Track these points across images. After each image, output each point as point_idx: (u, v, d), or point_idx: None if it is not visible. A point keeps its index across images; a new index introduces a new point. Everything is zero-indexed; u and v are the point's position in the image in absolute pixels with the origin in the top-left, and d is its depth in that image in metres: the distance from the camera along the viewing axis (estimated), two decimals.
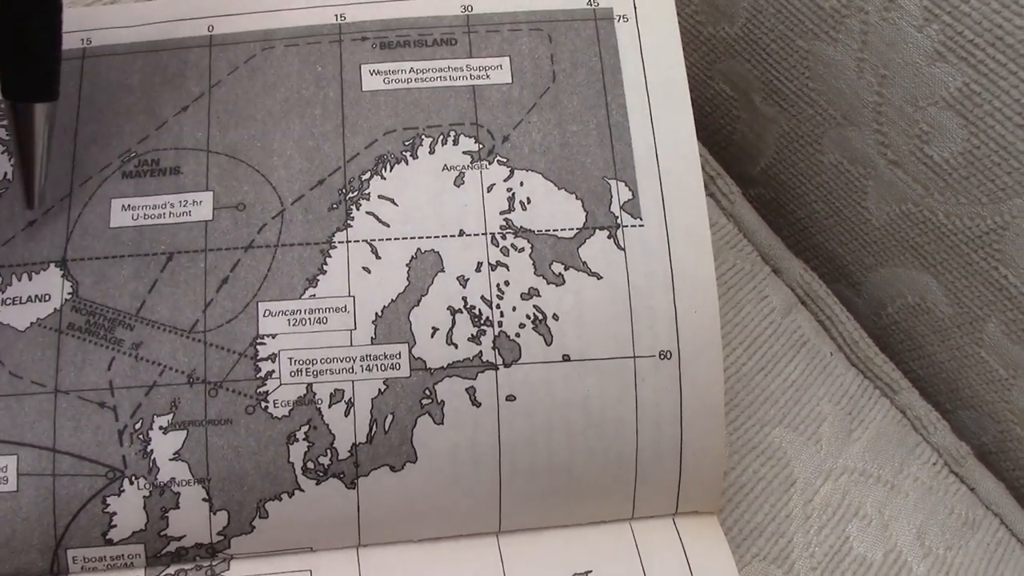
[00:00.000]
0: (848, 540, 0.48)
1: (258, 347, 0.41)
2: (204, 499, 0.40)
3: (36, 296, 0.42)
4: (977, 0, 0.46)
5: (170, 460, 0.40)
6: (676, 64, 0.46)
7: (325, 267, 0.42)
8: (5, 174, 0.43)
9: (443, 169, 0.44)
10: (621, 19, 0.46)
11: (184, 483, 0.40)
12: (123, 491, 0.40)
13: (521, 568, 0.42)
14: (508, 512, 0.43)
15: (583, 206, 0.43)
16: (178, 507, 0.40)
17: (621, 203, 0.43)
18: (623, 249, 0.43)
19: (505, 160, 0.44)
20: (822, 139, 0.57)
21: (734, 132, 0.63)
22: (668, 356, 0.42)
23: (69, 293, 0.42)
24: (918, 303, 0.57)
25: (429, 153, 0.44)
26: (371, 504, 0.41)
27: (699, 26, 0.61)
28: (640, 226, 0.43)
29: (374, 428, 0.41)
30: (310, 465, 0.41)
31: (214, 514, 0.41)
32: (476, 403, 0.42)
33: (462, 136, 0.44)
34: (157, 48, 0.45)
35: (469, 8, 0.46)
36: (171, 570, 0.41)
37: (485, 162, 0.44)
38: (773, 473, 0.49)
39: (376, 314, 0.42)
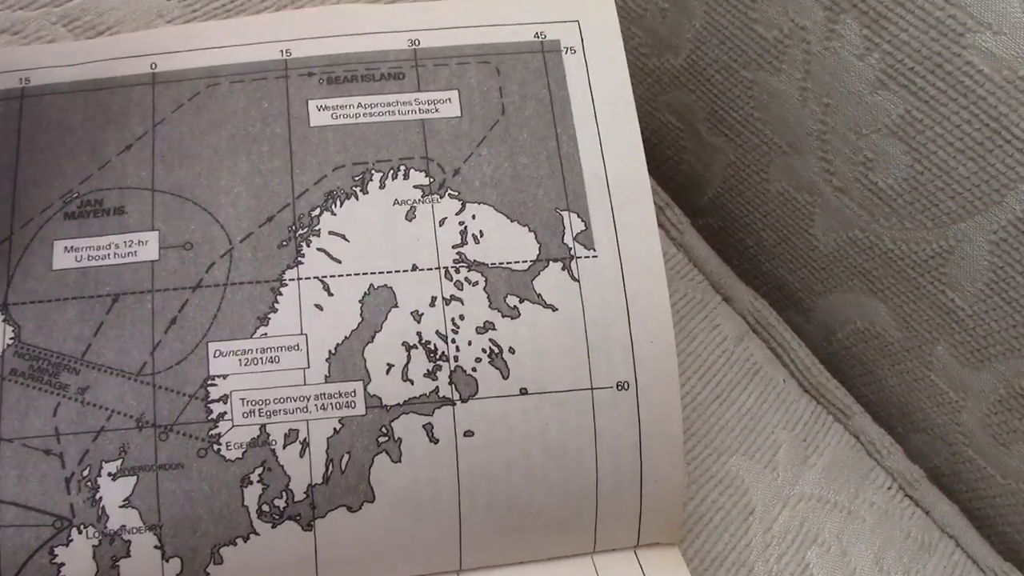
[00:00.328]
0: (808, 567, 0.47)
1: (209, 388, 0.40)
2: (156, 546, 0.39)
3: None
4: (915, 29, 0.46)
5: (120, 507, 0.39)
6: (624, 94, 0.45)
7: (276, 305, 0.41)
8: None
9: (394, 203, 0.43)
10: (568, 51, 0.45)
11: (135, 530, 0.39)
12: (71, 540, 0.38)
13: None
14: (469, 549, 0.41)
15: (536, 238, 0.43)
16: (129, 555, 0.38)
17: (574, 234, 0.43)
18: (577, 280, 0.42)
19: (456, 193, 0.43)
20: (768, 168, 0.57)
21: (681, 162, 0.63)
22: (626, 387, 0.42)
23: (11, 338, 0.40)
24: (867, 328, 0.56)
25: (379, 188, 0.43)
26: (329, 546, 0.40)
27: (643, 58, 0.61)
28: (594, 257, 0.43)
29: (330, 468, 0.40)
30: (265, 508, 0.39)
31: (167, 561, 0.39)
32: (434, 439, 0.40)
33: (412, 170, 0.43)
34: (99, 87, 0.44)
35: (416, 42, 0.45)
36: None
37: (436, 196, 0.43)
38: (731, 502, 0.48)
39: (330, 351, 0.41)
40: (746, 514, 0.48)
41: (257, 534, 0.39)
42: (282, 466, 0.40)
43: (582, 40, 0.46)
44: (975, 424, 0.53)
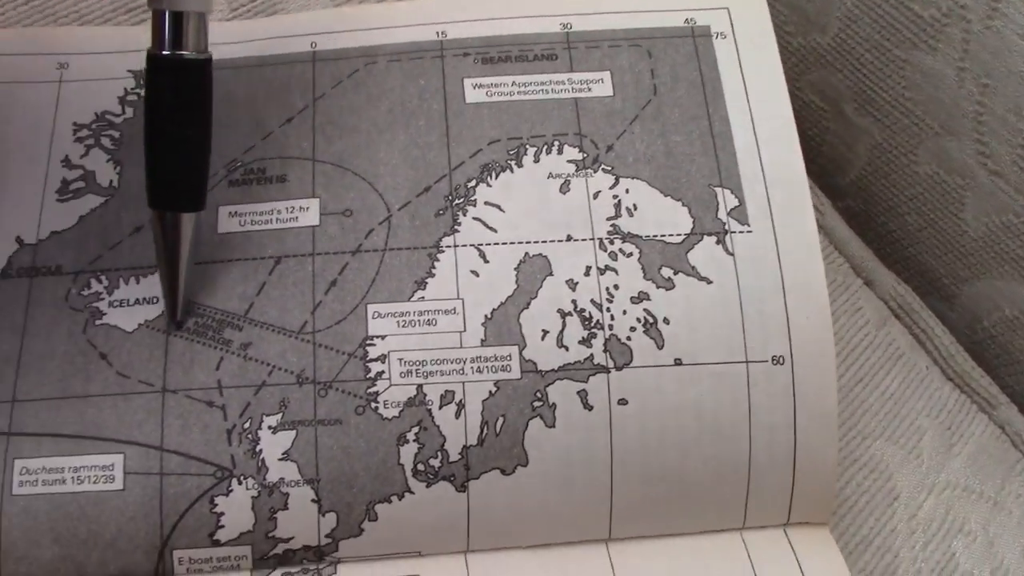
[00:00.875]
0: (954, 556, 0.45)
1: (368, 348, 0.40)
2: (313, 500, 0.39)
3: (144, 299, 0.40)
4: None
5: (279, 460, 0.39)
6: (776, 78, 0.44)
7: (433, 270, 0.41)
8: (111, 181, 0.42)
9: (548, 177, 0.43)
10: (719, 36, 0.45)
11: (293, 484, 0.38)
12: (231, 491, 0.38)
13: None
14: (619, 519, 0.40)
15: (690, 212, 0.42)
16: (287, 508, 0.38)
17: (728, 210, 0.42)
18: (732, 254, 0.41)
19: (610, 168, 0.43)
20: (917, 149, 0.55)
21: (823, 143, 0.61)
22: (781, 361, 0.40)
23: None
24: (1017, 316, 0.54)
25: (534, 161, 0.43)
26: (481, 508, 0.39)
27: (788, 36, 0.59)
28: (748, 232, 0.42)
29: (485, 430, 0.39)
30: (420, 467, 0.39)
31: (323, 516, 0.39)
32: (588, 406, 0.40)
33: (566, 146, 0.43)
34: (262, 63, 0.45)
35: (568, 26, 0.45)
36: (277, 572, 0.39)
37: (590, 170, 0.43)
38: (876, 486, 0.46)
39: (486, 316, 0.40)
40: (891, 499, 0.46)
41: (412, 493, 0.39)
42: (438, 426, 0.39)
43: (732, 26, 0.45)
44: None
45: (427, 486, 0.39)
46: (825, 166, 0.61)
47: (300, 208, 0.42)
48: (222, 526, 0.38)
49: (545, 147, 0.43)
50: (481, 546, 0.40)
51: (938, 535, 0.46)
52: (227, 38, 0.45)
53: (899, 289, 0.54)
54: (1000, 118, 0.49)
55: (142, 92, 0.43)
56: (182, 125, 0.38)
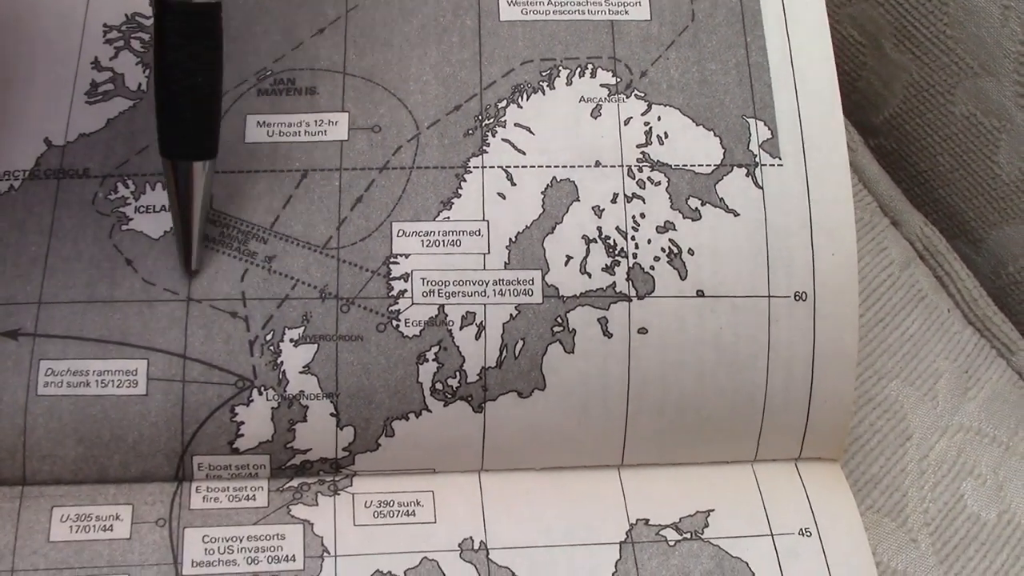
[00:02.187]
0: (962, 498, 0.45)
1: (391, 266, 0.39)
2: (332, 414, 0.38)
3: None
4: None
5: (300, 373, 0.38)
6: (819, 9, 0.43)
7: (460, 191, 0.40)
8: (139, 84, 0.41)
9: (580, 100, 0.41)
10: None
11: (313, 396, 0.38)
12: (252, 401, 0.38)
13: (643, 503, 0.40)
14: (632, 446, 0.40)
15: (721, 143, 0.41)
16: (305, 420, 0.38)
17: (760, 142, 0.41)
18: (761, 188, 0.40)
19: (643, 95, 0.41)
20: (955, 89, 0.53)
21: (859, 79, 0.59)
22: (803, 298, 0.40)
23: None
24: None
25: (566, 84, 0.42)
26: (497, 429, 0.39)
27: None
28: (779, 165, 0.41)
29: (504, 353, 0.39)
30: (439, 386, 0.39)
31: (341, 429, 0.38)
32: (608, 334, 0.39)
33: (599, 69, 0.42)
34: None
35: None
36: (294, 483, 0.39)
37: (622, 95, 0.41)
38: (889, 426, 0.46)
39: (510, 239, 0.39)
40: (903, 440, 0.46)
41: (429, 411, 0.39)
42: (457, 347, 0.39)
43: None
44: None
45: (444, 405, 0.39)
46: (860, 103, 0.59)
47: (329, 122, 0.41)
48: (241, 435, 0.38)
49: (579, 70, 0.42)
50: (495, 466, 0.40)
51: (948, 477, 0.45)
52: None
53: (926, 231, 0.53)
54: None
55: None
56: (192, 72, 0.36)
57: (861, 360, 0.47)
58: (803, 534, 0.40)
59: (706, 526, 0.40)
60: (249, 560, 0.37)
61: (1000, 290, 0.55)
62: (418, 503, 0.39)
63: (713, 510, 0.40)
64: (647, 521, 0.40)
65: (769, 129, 0.41)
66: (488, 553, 0.38)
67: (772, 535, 0.40)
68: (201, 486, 0.38)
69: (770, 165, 0.41)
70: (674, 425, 0.40)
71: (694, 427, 0.40)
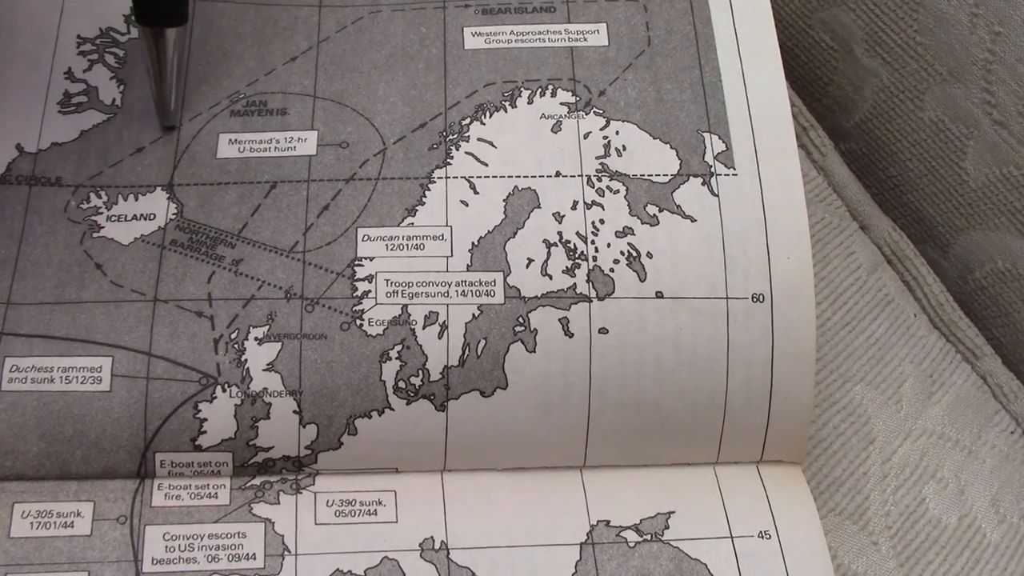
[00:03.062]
0: (924, 502, 0.44)
1: (356, 268, 0.39)
2: (295, 411, 0.38)
3: (141, 215, 0.40)
4: None
5: (263, 370, 0.38)
6: (768, 31, 0.44)
7: (424, 199, 0.41)
8: (113, 99, 0.42)
9: (541, 117, 0.43)
10: None
11: (276, 394, 0.38)
12: (215, 398, 0.38)
13: (604, 503, 0.40)
14: (594, 446, 0.40)
15: (677, 155, 0.42)
16: (268, 417, 0.38)
17: (715, 154, 0.42)
18: (717, 195, 0.41)
19: (601, 111, 0.43)
20: (924, 95, 0.54)
21: (830, 84, 0.60)
22: (761, 299, 0.40)
23: (174, 213, 0.40)
24: (1008, 269, 0.53)
25: (527, 103, 0.43)
26: (459, 428, 0.39)
27: None
28: (734, 175, 0.41)
29: (467, 351, 0.39)
30: (401, 384, 0.39)
31: (303, 427, 0.38)
32: (569, 333, 0.39)
33: (559, 89, 0.43)
34: (269, 2, 0.45)
35: None
36: (256, 481, 0.38)
37: (582, 112, 0.43)
38: (853, 429, 0.46)
39: (473, 243, 0.40)
40: (866, 443, 0.45)
41: (392, 409, 0.39)
42: (420, 345, 0.39)
43: None
44: None
45: (407, 403, 0.39)
46: (831, 107, 0.60)
47: (298, 139, 0.42)
48: (204, 432, 0.38)
49: (539, 90, 0.43)
50: (457, 466, 0.40)
51: (910, 480, 0.45)
52: None
53: (894, 235, 0.53)
54: (1009, 67, 0.48)
55: None
56: None
57: (826, 363, 0.47)
58: (762, 537, 0.40)
59: (666, 528, 0.39)
60: (209, 558, 0.37)
61: (967, 295, 0.55)
62: (380, 502, 0.39)
63: (674, 512, 0.40)
64: (608, 522, 0.39)
65: (723, 142, 0.42)
66: (448, 553, 0.38)
67: (732, 537, 0.40)
68: (163, 483, 0.38)
69: (725, 175, 0.41)
70: (635, 425, 0.40)
71: (655, 427, 0.40)
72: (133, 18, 0.41)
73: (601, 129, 0.42)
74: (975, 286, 0.55)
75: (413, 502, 0.39)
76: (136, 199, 0.41)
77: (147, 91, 0.42)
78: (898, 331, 0.49)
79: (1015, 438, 0.48)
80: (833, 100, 0.60)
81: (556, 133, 0.42)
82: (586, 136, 0.42)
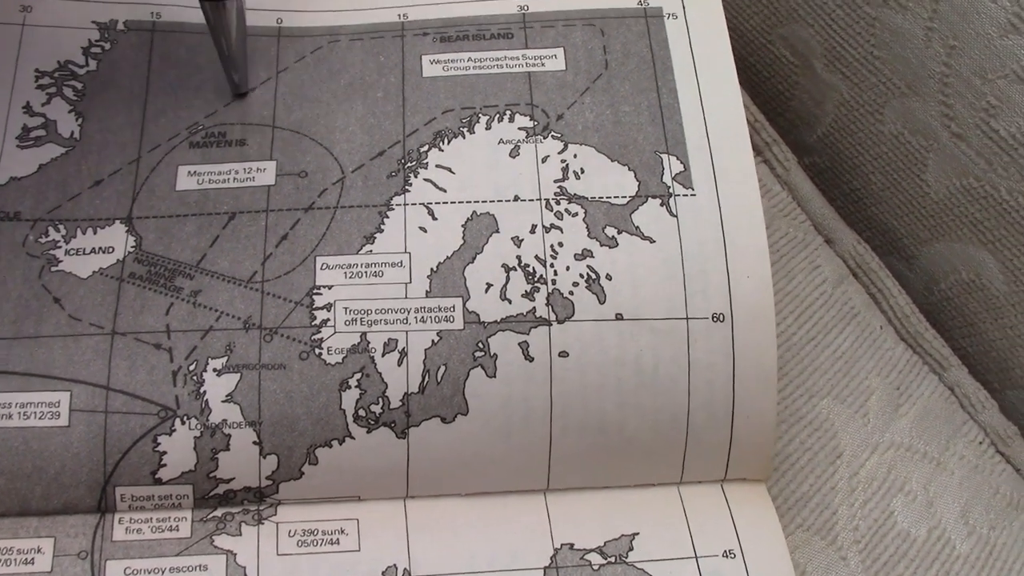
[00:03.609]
0: (892, 515, 0.45)
1: (314, 297, 0.40)
2: (255, 442, 0.38)
3: (100, 248, 0.41)
4: None
5: (222, 402, 0.38)
6: (725, 53, 0.45)
7: (383, 226, 0.41)
8: (72, 132, 0.42)
9: (499, 142, 0.43)
10: (670, 16, 0.46)
11: (235, 425, 0.38)
12: (174, 430, 0.38)
13: (568, 527, 0.40)
14: (557, 469, 0.40)
15: (635, 176, 0.42)
16: (228, 449, 0.38)
17: (673, 175, 0.42)
18: (675, 216, 0.41)
19: (559, 135, 0.43)
20: (884, 108, 0.54)
21: (792, 98, 0.60)
22: (721, 319, 0.40)
23: (133, 246, 0.41)
24: (973, 280, 0.53)
25: (486, 129, 0.43)
26: (421, 455, 0.39)
27: None
28: (692, 195, 0.42)
29: (426, 378, 0.39)
30: (362, 412, 0.39)
31: (264, 458, 0.39)
32: (529, 358, 0.39)
33: (517, 114, 0.44)
34: None
35: (525, 7, 0.46)
36: (218, 512, 0.39)
37: (540, 137, 0.43)
38: (820, 444, 0.46)
39: (431, 269, 0.40)
40: (833, 457, 0.46)
41: (352, 438, 0.39)
42: (380, 373, 0.39)
43: (684, 8, 0.46)
44: None
45: (368, 432, 0.39)
46: (793, 121, 0.61)
47: (257, 169, 0.42)
48: (164, 465, 0.38)
49: (497, 116, 0.43)
50: (420, 492, 0.40)
51: (878, 494, 0.45)
52: (194, 2, 0.45)
53: (858, 248, 0.54)
54: (965, 80, 0.49)
55: (106, 45, 0.44)
56: None
57: (792, 378, 0.47)
58: (727, 556, 0.40)
59: (631, 549, 0.40)
60: None
61: (933, 306, 0.56)
62: (342, 531, 0.39)
63: (638, 533, 0.40)
64: (572, 545, 0.40)
65: (681, 163, 0.42)
66: None
67: (696, 558, 0.40)
68: (124, 517, 0.38)
69: (683, 195, 0.42)
70: (598, 447, 0.40)
71: (618, 449, 0.40)
72: None
73: (559, 153, 0.43)
74: (940, 297, 0.55)
75: (376, 530, 0.39)
76: (95, 232, 0.41)
77: (106, 124, 0.42)
78: (864, 344, 0.50)
79: (983, 448, 0.49)
80: (795, 115, 0.60)
81: (514, 158, 0.43)
82: (544, 160, 0.43)
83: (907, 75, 0.52)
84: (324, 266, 0.40)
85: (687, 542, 0.40)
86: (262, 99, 0.44)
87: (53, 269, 0.40)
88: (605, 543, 0.40)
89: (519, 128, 0.43)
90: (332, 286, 0.40)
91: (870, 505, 0.45)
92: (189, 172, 0.42)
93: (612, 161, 0.43)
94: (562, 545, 0.39)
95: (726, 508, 0.41)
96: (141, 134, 0.43)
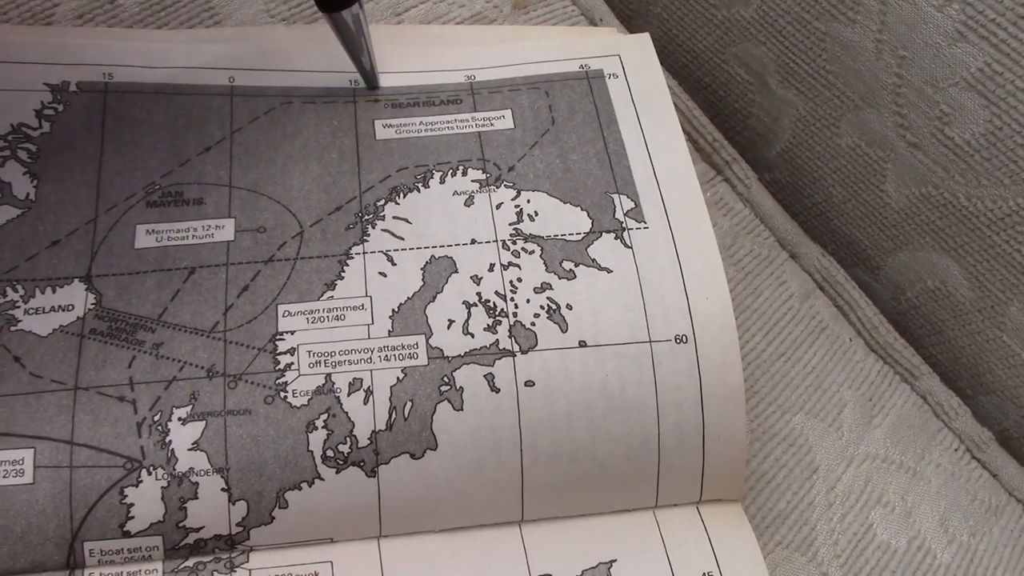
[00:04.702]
0: (872, 527, 0.46)
1: (277, 343, 0.41)
2: (223, 489, 0.39)
3: (59, 306, 0.41)
4: None
5: (188, 450, 0.39)
6: (665, 103, 0.48)
7: (343, 274, 0.42)
8: (27, 194, 0.44)
9: (453, 194, 0.45)
10: (611, 76, 0.49)
11: (203, 472, 0.39)
12: (141, 482, 0.39)
13: (544, 558, 0.40)
14: (531, 500, 0.41)
15: (588, 215, 0.44)
16: (196, 497, 0.39)
17: (625, 211, 0.44)
18: (630, 247, 0.43)
19: (511, 184, 0.45)
20: (840, 122, 0.56)
21: (750, 116, 0.62)
22: (684, 340, 0.41)
23: (93, 304, 0.41)
24: (938, 287, 0.55)
25: (440, 183, 0.45)
26: (392, 493, 0.40)
27: (712, 9, 0.60)
28: (645, 228, 0.44)
29: (393, 415, 0.40)
30: (330, 453, 0.39)
31: (233, 504, 0.39)
32: (495, 389, 0.40)
33: (470, 169, 0.46)
34: (180, 92, 0.47)
35: (472, 77, 0.49)
36: (190, 562, 0.39)
37: (492, 187, 0.45)
38: (795, 460, 0.47)
39: (393, 310, 0.41)
40: (809, 472, 0.47)
41: (322, 479, 0.39)
42: (346, 412, 0.40)
43: (624, 68, 0.49)
44: None
45: (337, 472, 0.40)
46: (752, 139, 0.62)
47: (216, 226, 0.44)
48: (132, 517, 0.38)
49: (450, 171, 0.46)
50: (393, 531, 0.40)
51: (856, 507, 0.46)
52: (145, 62, 0.47)
53: (823, 261, 0.55)
54: (917, 90, 0.50)
55: (59, 107, 0.45)
56: None
57: (764, 395, 0.48)
58: None
59: None
60: None
61: (901, 315, 0.57)
62: (316, 575, 0.39)
63: (616, 560, 0.41)
64: None
65: (632, 201, 0.45)
66: None
67: None
68: (94, 572, 0.38)
69: (636, 229, 0.44)
70: (570, 475, 0.41)
71: (591, 476, 0.41)
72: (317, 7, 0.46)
73: (512, 199, 0.45)
74: (908, 306, 0.57)
75: (350, 572, 0.39)
76: (53, 291, 0.42)
77: (61, 186, 0.43)
78: (835, 357, 0.51)
79: (959, 455, 0.50)
80: (753, 132, 0.62)
81: (469, 206, 0.44)
82: (498, 207, 0.44)
83: (860, 87, 0.54)
84: (286, 313, 0.41)
85: (665, 566, 0.40)
86: (217, 159, 0.45)
87: (12, 329, 0.41)
88: (582, 572, 0.40)
89: (472, 180, 0.45)
90: (295, 331, 0.41)
91: (849, 519, 0.46)
92: (147, 231, 0.43)
93: (564, 203, 0.45)
94: None
95: (703, 530, 0.42)
96: (97, 194, 0.44)
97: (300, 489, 0.39)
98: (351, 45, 0.46)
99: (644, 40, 0.51)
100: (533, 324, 0.41)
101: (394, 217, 0.44)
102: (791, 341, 0.50)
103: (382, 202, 0.44)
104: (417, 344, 0.41)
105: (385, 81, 0.48)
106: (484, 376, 0.40)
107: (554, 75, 0.49)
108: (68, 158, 0.44)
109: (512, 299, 0.42)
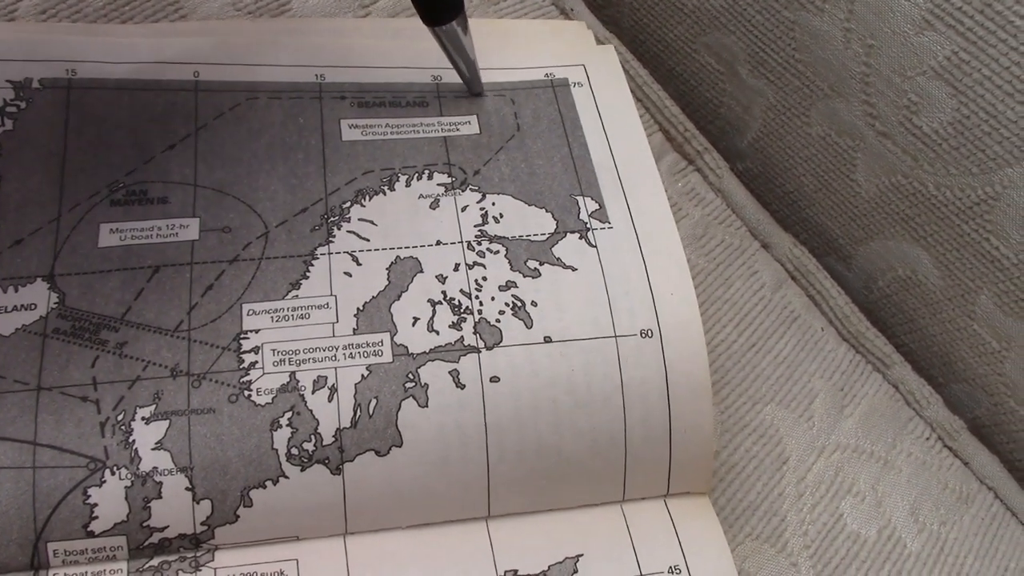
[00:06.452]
0: (842, 517, 0.47)
1: (241, 341, 0.42)
2: (187, 488, 0.40)
3: (22, 306, 0.42)
4: None
5: (152, 450, 0.40)
6: (629, 109, 0.51)
7: (308, 273, 0.44)
8: None
9: (419, 197, 0.47)
10: (576, 85, 0.51)
11: (167, 472, 0.40)
12: (104, 482, 0.40)
13: (511, 553, 0.42)
14: (497, 496, 0.42)
15: (553, 217, 0.46)
16: (160, 497, 0.40)
17: (589, 213, 0.46)
18: (595, 246, 0.45)
19: (477, 188, 0.47)
20: (810, 111, 0.58)
21: (721, 106, 0.63)
22: (649, 334, 0.43)
23: (56, 303, 0.42)
24: (909, 276, 0.56)
25: (405, 186, 0.47)
26: (357, 490, 0.41)
27: None
28: (609, 228, 0.46)
29: (358, 412, 0.41)
30: (294, 451, 0.41)
31: (197, 503, 0.40)
32: (460, 385, 0.42)
33: (436, 172, 0.47)
34: (145, 87, 0.48)
35: (439, 78, 0.51)
36: (155, 562, 0.40)
37: (458, 191, 0.47)
38: (765, 451, 0.48)
39: (358, 308, 0.43)
40: (780, 463, 0.48)
41: (287, 477, 0.41)
42: (311, 410, 0.41)
43: (588, 77, 0.52)
44: (1018, 374, 0.52)
45: (301, 470, 0.41)
46: (724, 128, 0.64)
47: (180, 225, 0.45)
48: (96, 517, 0.40)
49: (416, 175, 0.47)
50: (359, 528, 0.42)
51: (826, 497, 0.47)
52: (108, 57, 0.48)
53: (795, 251, 0.57)
54: (885, 79, 0.52)
55: (22, 104, 0.46)
56: None
57: (735, 386, 0.50)
58: (673, 572, 0.42)
59: (575, 572, 0.42)
60: None
61: (872, 305, 0.58)
62: (282, 573, 0.40)
63: (582, 555, 0.42)
64: (516, 572, 0.41)
65: (596, 202, 0.47)
66: None
67: (641, 575, 0.42)
68: (58, 573, 0.39)
69: (601, 228, 0.46)
70: (537, 471, 0.42)
71: (557, 471, 0.42)
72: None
73: (478, 202, 0.46)
74: (879, 295, 0.58)
75: (316, 570, 0.41)
76: (16, 290, 0.43)
77: (24, 184, 0.44)
78: (806, 347, 0.52)
79: (930, 444, 0.51)
80: (725, 122, 0.63)
81: (434, 209, 0.46)
82: (463, 209, 0.46)
83: (829, 76, 0.55)
84: (251, 312, 0.43)
85: (632, 560, 0.42)
86: (182, 157, 0.46)
87: None
88: (549, 567, 0.41)
89: (438, 184, 0.47)
90: (259, 330, 0.42)
91: (819, 509, 0.47)
92: (111, 229, 0.44)
93: (529, 206, 0.47)
94: (506, 572, 0.41)
95: (670, 523, 0.43)
96: (61, 192, 0.45)
97: (265, 487, 0.41)
98: (459, 56, 0.49)
99: (609, 51, 0.53)
100: (498, 321, 0.43)
101: (360, 219, 0.45)
102: (762, 331, 0.52)
103: (348, 204, 0.46)
104: (382, 341, 0.42)
105: (350, 76, 0.50)
106: (449, 372, 0.42)
107: (520, 83, 0.51)
108: (31, 156, 0.45)
109: (477, 297, 0.43)
